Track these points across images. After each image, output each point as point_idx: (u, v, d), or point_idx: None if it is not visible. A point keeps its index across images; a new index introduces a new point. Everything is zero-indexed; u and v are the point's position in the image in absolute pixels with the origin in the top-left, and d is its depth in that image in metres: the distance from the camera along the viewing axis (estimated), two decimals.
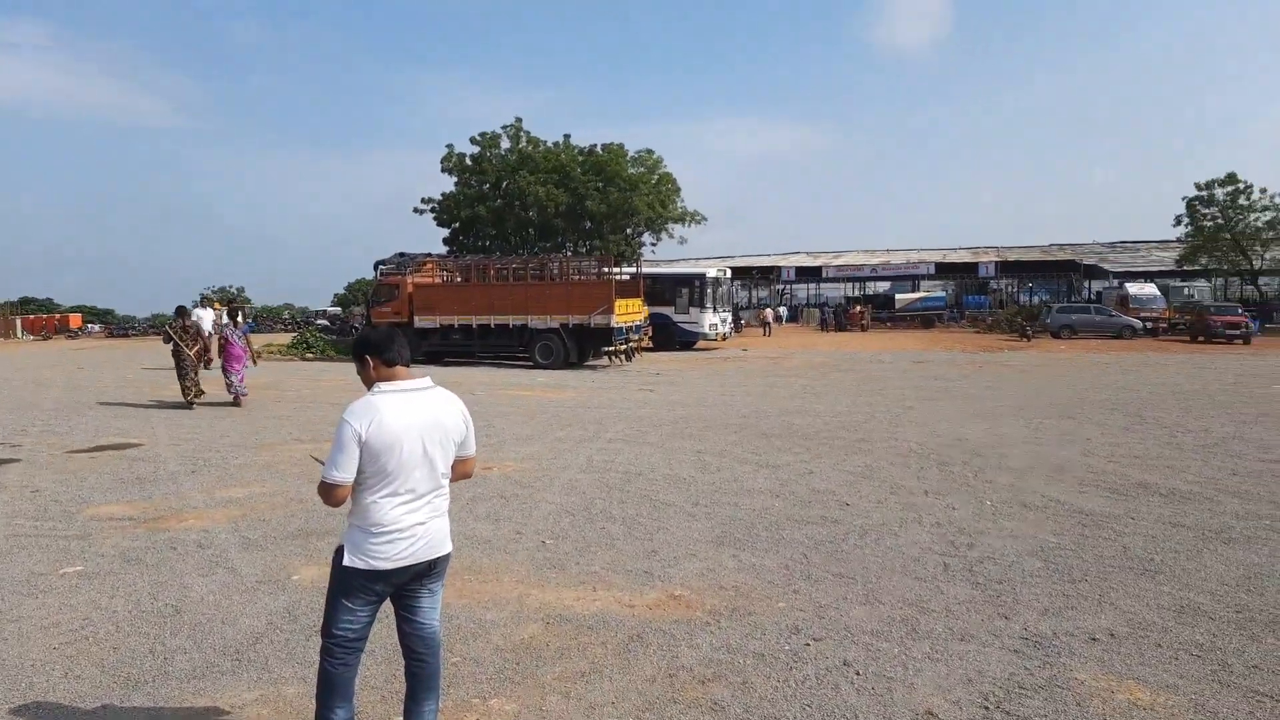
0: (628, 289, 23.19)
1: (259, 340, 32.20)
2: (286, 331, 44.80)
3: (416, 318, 22.36)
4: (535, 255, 29.70)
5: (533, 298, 21.48)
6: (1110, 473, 8.17)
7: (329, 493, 2.80)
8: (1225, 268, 44.40)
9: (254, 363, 14.12)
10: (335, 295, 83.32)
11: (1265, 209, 42.05)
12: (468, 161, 44.33)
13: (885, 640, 4.10)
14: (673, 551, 5.51)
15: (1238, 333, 32.88)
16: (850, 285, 66.34)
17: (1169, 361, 23.81)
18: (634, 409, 12.74)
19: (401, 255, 24.61)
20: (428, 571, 2.94)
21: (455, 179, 44.65)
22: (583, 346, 21.78)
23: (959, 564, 5.27)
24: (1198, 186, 43.71)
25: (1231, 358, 25.74)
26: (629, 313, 21.91)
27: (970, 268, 57.49)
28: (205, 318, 19.27)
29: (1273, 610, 4.47)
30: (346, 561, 2.84)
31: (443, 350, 22.88)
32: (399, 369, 2.97)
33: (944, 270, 58.72)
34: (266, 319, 66.04)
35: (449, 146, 44.47)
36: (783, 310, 53.06)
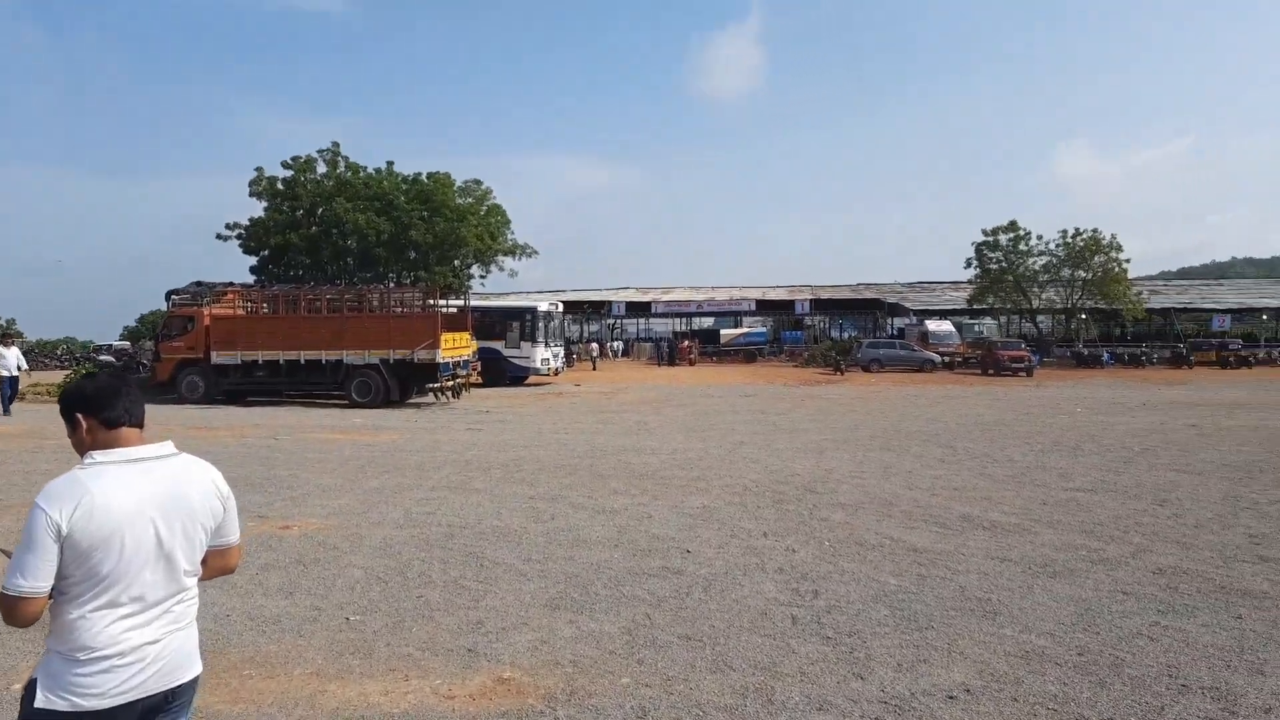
0: (455, 322, 22.20)
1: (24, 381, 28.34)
2: (62, 369, 39.76)
3: (214, 353, 20.26)
4: (354, 286, 27.99)
5: (350, 331, 20.03)
6: (935, 506, 8.33)
7: (12, 609, 1.97)
8: (1009, 306, 49.16)
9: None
10: (125, 329, 75.45)
11: (1041, 254, 47.05)
12: (279, 186, 41.58)
13: (740, 718, 3.67)
14: (501, 620, 4.87)
15: (1022, 366, 36.28)
16: (678, 320, 68.06)
17: (968, 394, 25.71)
18: (460, 451, 11.92)
19: (199, 284, 22.36)
20: (163, 706, 2.15)
21: (265, 204, 41.73)
22: (405, 383, 20.54)
23: (807, 615, 4.99)
24: (984, 232, 48.29)
25: (1018, 389, 28.20)
26: (456, 347, 20.93)
27: (787, 305, 60.53)
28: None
29: (1111, 651, 4.45)
30: (40, 702, 2.01)
31: (245, 389, 20.86)
32: (125, 431, 2.19)
33: (764, 307, 61.47)
34: (39, 355, 58.52)
35: (258, 170, 41.64)
36: (618, 345, 53.28)
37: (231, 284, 23.02)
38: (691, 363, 43.06)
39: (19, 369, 17.15)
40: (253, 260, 42.49)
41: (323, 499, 8.35)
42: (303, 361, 20.14)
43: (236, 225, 42.13)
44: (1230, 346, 44.78)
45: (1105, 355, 44.24)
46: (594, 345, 44.79)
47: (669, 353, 44.42)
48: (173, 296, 21.98)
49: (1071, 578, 5.83)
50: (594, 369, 38.37)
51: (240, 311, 21.65)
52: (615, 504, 8.23)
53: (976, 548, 6.67)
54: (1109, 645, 4.53)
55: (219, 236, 42.39)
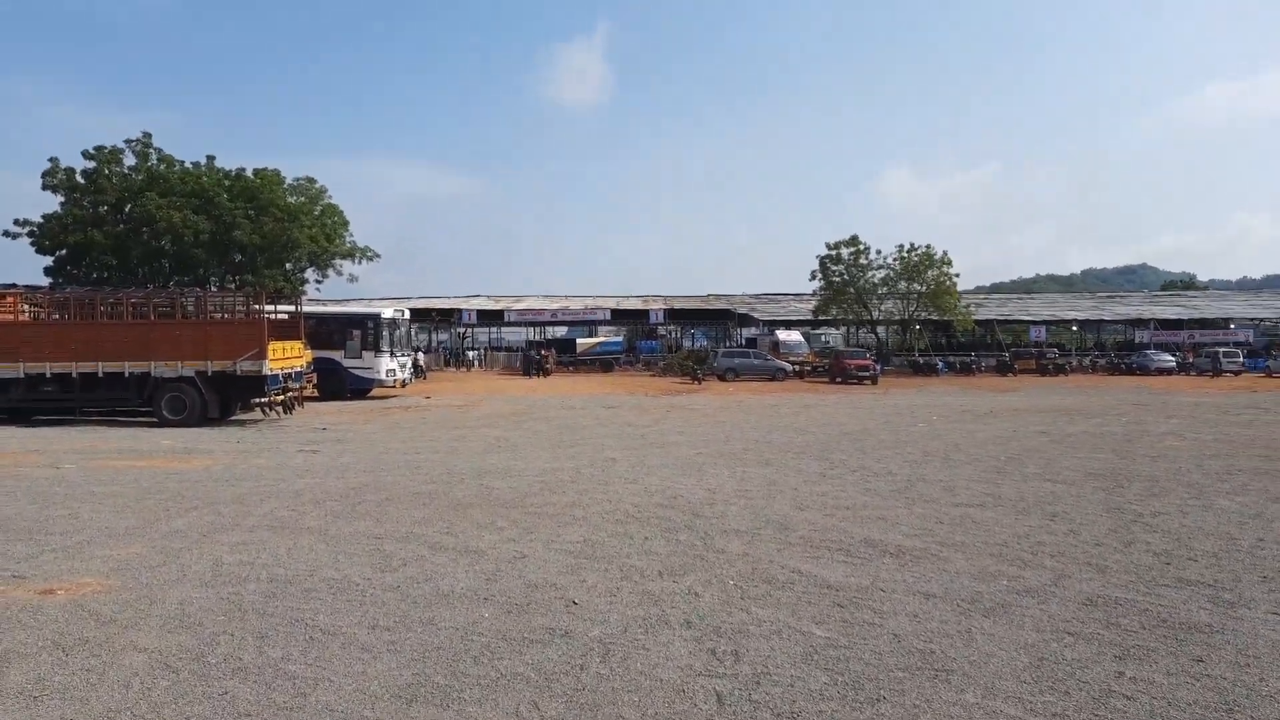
0: (286, 330, 19.97)
1: None
2: None
3: None
4: (166, 289, 24.93)
5: (159, 339, 17.46)
6: (832, 529, 7.66)
7: None
8: (851, 317, 51.09)
9: None
10: None
11: (880, 268, 49.18)
12: (79, 179, 36.95)
13: None
14: None
15: (867, 374, 37.53)
16: (531, 330, 66.52)
17: (824, 402, 25.97)
18: (290, 479, 10.25)
19: None
20: None
21: (62, 198, 36.95)
22: (227, 398, 18.18)
23: (733, 690, 4.03)
24: (828, 246, 50.00)
25: (868, 397, 28.88)
26: (287, 357, 18.76)
27: (642, 314, 60.46)
28: None
29: (1091, 715, 3.77)
30: None
31: (30, 407, 17.81)
32: None
33: (618, 316, 61.10)
34: None
35: (53, 160, 36.78)
36: (472, 354, 51.09)
37: (14, 285, 19.75)
38: (547, 373, 41.72)
39: None
40: (48, 260, 37.51)
41: (107, 547, 6.63)
42: (101, 374, 17.39)
43: (27, 222, 36.97)
44: (1048, 355, 48.46)
45: (940, 363, 46.73)
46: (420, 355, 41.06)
47: (537, 363, 42.02)
48: None
49: (1006, 616, 5.20)
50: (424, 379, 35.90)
51: (22, 317, 18.53)
52: (480, 542, 7.00)
53: (893, 581, 5.97)
54: (1086, 710, 3.84)
55: (6, 234, 37.09)
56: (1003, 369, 46.59)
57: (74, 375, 17.35)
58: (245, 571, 5.95)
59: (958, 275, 49.31)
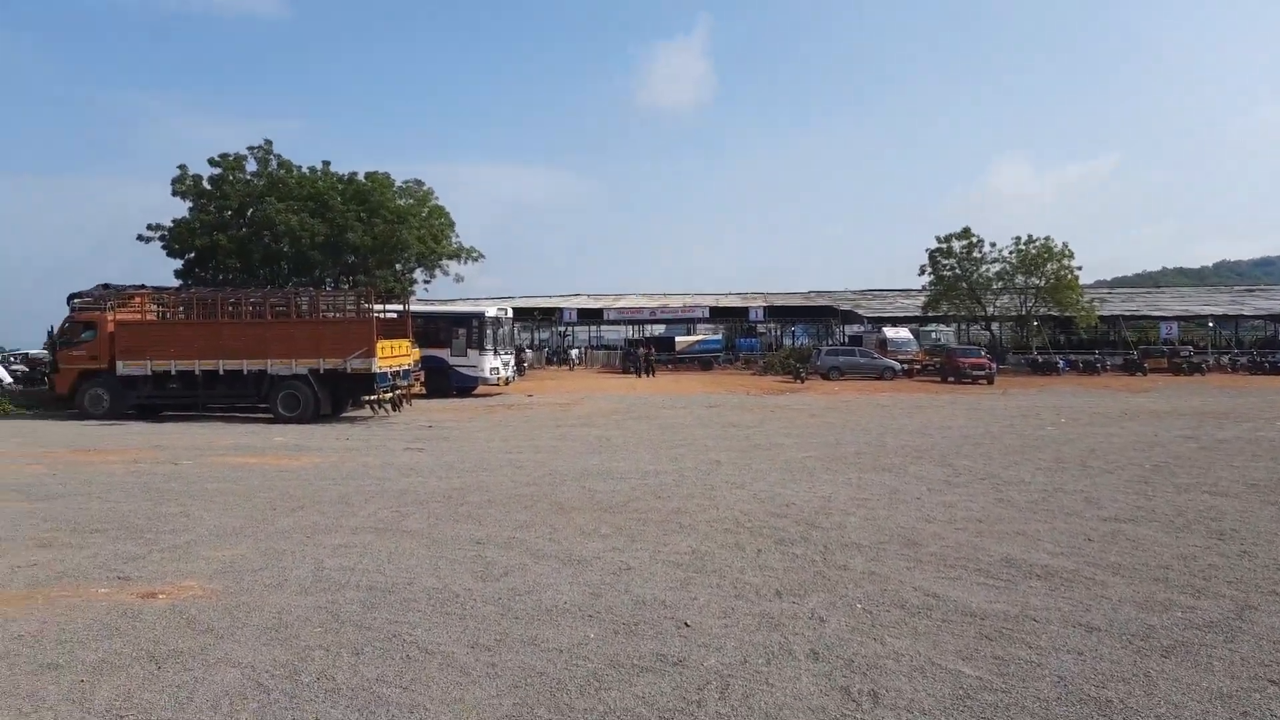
0: (394, 329, 20.32)
1: None
2: None
3: (120, 363, 18.06)
4: (283, 289, 25.86)
5: (275, 338, 18.00)
6: (966, 545, 6.94)
7: None
8: (963, 314, 48.78)
9: None
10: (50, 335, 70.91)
11: (994, 261, 46.76)
12: (205, 185, 38.92)
13: None
14: None
15: (982, 373, 35.61)
16: (630, 328, 66.60)
17: (938, 403, 24.68)
18: (395, 478, 10.19)
19: (105, 286, 20.08)
20: None
21: (190, 204, 39.02)
22: (338, 395, 18.60)
23: None
24: (938, 239, 47.83)
25: (986, 398, 27.33)
26: (395, 355, 19.06)
27: (741, 312, 59.50)
28: None
29: None
30: None
31: (158, 403, 18.69)
32: None
33: (717, 314, 60.37)
34: None
35: (182, 167, 38.82)
36: (574, 353, 51.47)
37: (143, 286, 20.78)
38: (653, 371, 41.08)
39: None
40: (178, 264, 39.70)
41: (213, 548, 6.60)
42: (222, 372, 18.06)
43: (159, 226, 39.19)
44: (1182, 354, 45.02)
45: (1060, 362, 44.05)
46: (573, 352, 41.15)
47: (643, 361, 40.46)
48: (73, 300, 19.68)
49: (1190, 657, 4.45)
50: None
51: (150, 316, 19.46)
52: (584, 550, 6.64)
53: (1045, 609, 5.27)
54: None
55: (140, 238, 39.37)
56: (1130, 368, 43.49)
57: (197, 373, 18.08)
58: (345, 577, 5.76)
59: (1079, 268, 46.42)
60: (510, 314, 29.37)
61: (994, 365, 37.66)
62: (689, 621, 4.94)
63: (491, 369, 25.88)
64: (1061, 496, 9.24)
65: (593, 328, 68.07)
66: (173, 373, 18.12)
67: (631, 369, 42.30)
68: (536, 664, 4.25)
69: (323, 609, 5.07)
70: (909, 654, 4.48)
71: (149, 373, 18.09)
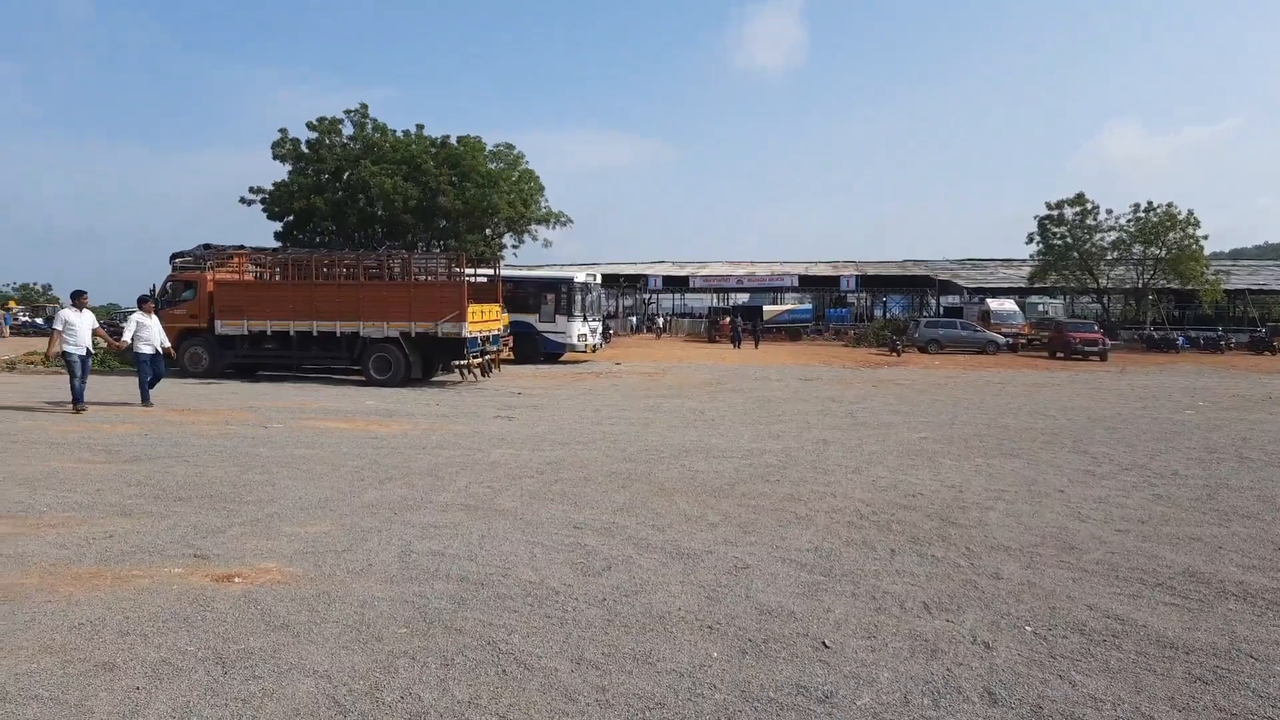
0: (484, 293, 20.01)
1: (19, 345, 26.68)
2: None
3: (219, 322, 18.24)
4: (375, 251, 25.93)
5: (367, 300, 17.86)
6: (1134, 552, 5.97)
7: None
8: (1073, 285, 45.91)
9: None
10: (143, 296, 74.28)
11: (1111, 229, 43.74)
12: (304, 149, 39.58)
13: None
14: None
15: (1095, 349, 33.39)
16: (715, 296, 65.38)
17: (1055, 380, 23.05)
18: (486, 449, 9.71)
19: (206, 246, 20.35)
20: None
21: (289, 167, 39.79)
22: (428, 359, 18.39)
23: None
24: (1048, 205, 45.05)
25: (1104, 376, 25.46)
26: (485, 320, 18.73)
27: (831, 281, 57.52)
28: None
29: None
30: None
31: (253, 362, 18.87)
32: None
33: (806, 283, 58.56)
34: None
35: (282, 131, 39.60)
36: (661, 320, 50.75)
37: (242, 246, 20.98)
38: (750, 342, 38.79)
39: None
40: (277, 226, 40.67)
41: (296, 522, 6.18)
42: (315, 333, 18.06)
43: (260, 190, 40.22)
44: None
45: (1180, 339, 41.04)
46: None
47: (743, 332, 38.43)
48: (175, 260, 20.01)
49: None
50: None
51: (248, 276, 19.61)
52: (692, 541, 5.96)
53: (1258, 640, 4.33)
54: None
55: (242, 200, 40.53)
56: (1258, 347, 40.15)
57: (291, 334, 18.13)
58: (434, 564, 5.22)
59: (1205, 238, 42.97)
60: (599, 280, 28.84)
61: (1107, 341, 35.26)
62: (827, 641, 4.19)
63: (579, 336, 25.45)
64: (1228, 494, 8.08)
65: (677, 296, 67.23)
66: (268, 333, 18.21)
67: (719, 337, 41.31)
68: (653, 691, 3.59)
69: (410, 603, 4.52)
70: (1108, 699, 3.64)
71: (246, 332, 18.23)
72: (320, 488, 7.34)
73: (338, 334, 17.97)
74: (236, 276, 19.36)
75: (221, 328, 18.20)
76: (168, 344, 13.67)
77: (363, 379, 18.02)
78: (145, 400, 12.85)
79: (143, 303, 13.40)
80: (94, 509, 6.47)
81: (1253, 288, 51.30)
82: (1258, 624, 4.63)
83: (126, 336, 13.21)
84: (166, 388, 14.68)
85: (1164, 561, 5.76)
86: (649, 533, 6.14)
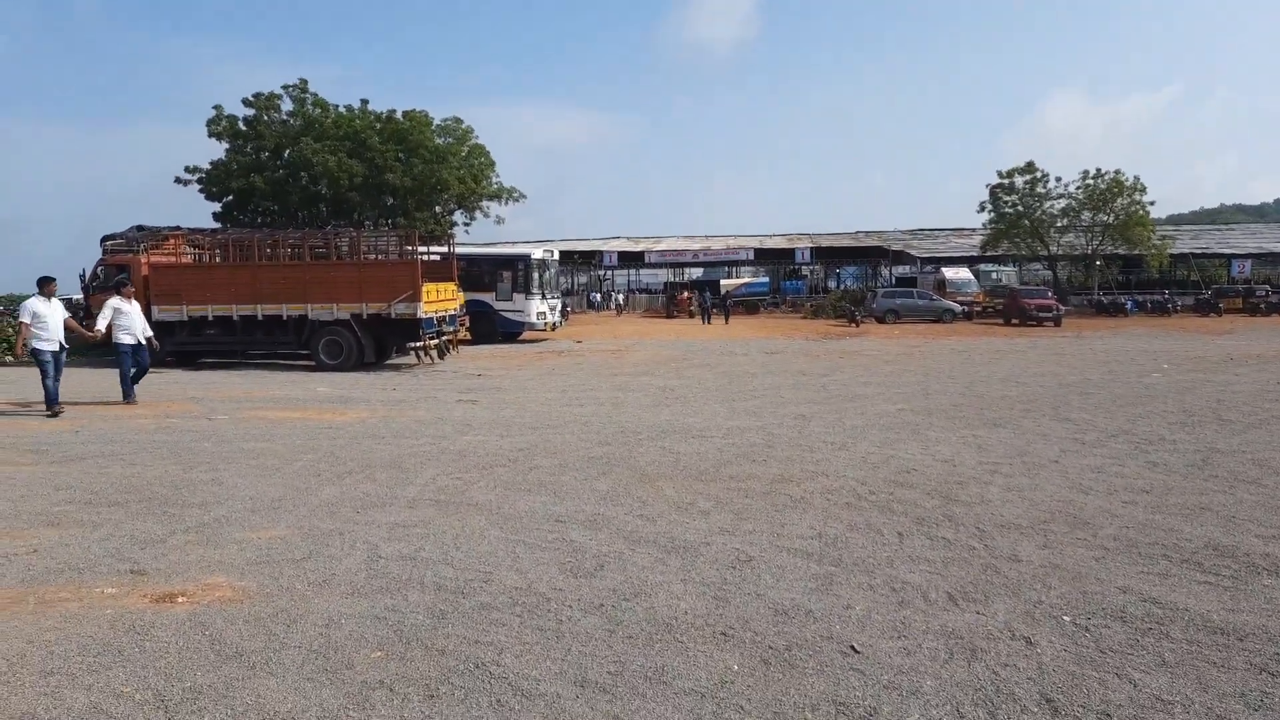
0: (438, 272, 19.22)
1: None
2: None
3: (155, 308, 17.16)
4: (321, 230, 24.84)
5: (314, 281, 16.98)
6: (1148, 525, 5.68)
7: None
8: (1025, 252, 46.42)
9: None
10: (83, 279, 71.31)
11: (1060, 196, 44.24)
12: (241, 126, 37.89)
13: None
14: None
15: (1049, 315, 33.80)
16: (670, 271, 64.88)
17: (1018, 347, 23.12)
18: (452, 436, 9.12)
19: (140, 228, 19.21)
20: None
21: (226, 145, 38.08)
22: (382, 342, 17.62)
23: None
24: (1000, 174, 45.37)
25: (1062, 341, 25.69)
26: (440, 300, 18.00)
27: (786, 254, 57.46)
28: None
29: None
30: None
31: (195, 349, 17.87)
32: None
33: (762, 256, 58.41)
34: None
35: (217, 108, 37.84)
36: (620, 297, 50.05)
37: (178, 228, 19.85)
38: (727, 317, 37.72)
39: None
40: (216, 206, 38.95)
41: (247, 527, 5.56)
42: (260, 317, 17.14)
43: (196, 169, 38.42)
44: (1258, 293, 42.49)
45: (1129, 303, 41.84)
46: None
47: (713, 307, 37.42)
48: (106, 243, 18.83)
49: None
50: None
51: (185, 259, 18.54)
52: (687, 532, 5.49)
53: None
54: None
55: (178, 180, 38.68)
56: (1203, 308, 41.21)
57: (235, 318, 17.20)
58: (406, 570, 4.67)
59: (1152, 203, 43.76)
60: (557, 256, 28.15)
61: (1060, 306, 35.72)
62: (856, 645, 3.76)
63: (538, 314, 24.80)
64: (1222, 459, 7.89)
65: (632, 271, 66.59)
66: (209, 318, 17.25)
67: (677, 312, 40.93)
68: (666, 716, 3.11)
69: (382, 620, 3.98)
70: (1177, 700, 3.27)
71: (185, 318, 17.23)
72: (272, 485, 6.71)
73: (284, 317, 17.10)
74: (173, 259, 18.30)
75: (158, 314, 17.15)
76: (149, 333, 12.45)
77: (312, 364, 17.20)
78: (129, 396, 11.63)
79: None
80: (16, 518, 5.76)
81: (1195, 251, 52.49)
82: None
83: (101, 325, 11.81)
84: (100, 379, 13.73)
85: (1182, 535, 5.47)
86: (638, 524, 5.66)
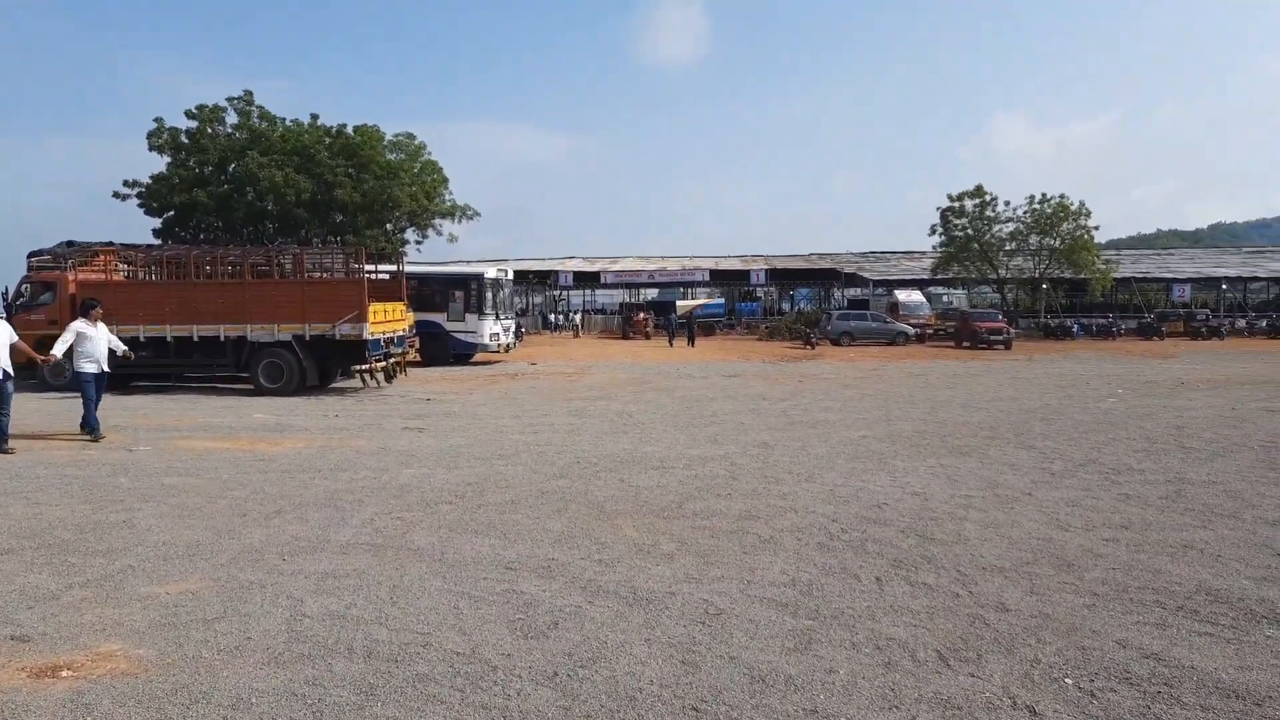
0: (387, 291, 18.51)
1: None
2: None
3: None
4: (264, 247, 23.95)
5: (254, 301, 16.19)
6: (1136, 568, 5.38)
7: None
8: (974, 275, 47.11)
9: None
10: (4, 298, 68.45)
11: (1008, 220, 45.05)
12: (183, 139, 36.70)
13: None
14: None
15: (1000, 338, 34.14)
16: (627, 292, 64.63)
17: (969, 370, 23.16)
18: (394, 469, 8.54)
19: (69, 244, 18.23)
20: None
21: (168, 159, 36.83)
22: (325, 364, 16.86)
23: None
24: (950, 197, 46.04)
25: (1015, 364, 25.86)
26: (388, 320, 17.30)
27: (742, 275, 57.62)
28: None
29: None
30: None
31: (127, 372, 16.88)
32: None
33: (717, 277, 58.49)
34: None
35: (158, 120, 36.59)
36: (576, 317, 49.46)
37: (110, 244, 18.88)
38: (693, 340, 36.94)
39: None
40: (156, 222, 37.60)
41: (155, 579, 4.95)
42: (196, 338, 16.29)
43: (135, 183, 37.06)
44: (1199, 317, 43.65)
45: (1075, 326, 42.62)
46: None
47: (687, 326, 35.97)
48: (32, 259, 17.80)
49: None
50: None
51: (117, 276, 17.60)
52: (649, 580, 5.03)
53: None
54: None
55: (116, 195, 37.26)
56: (1146, 332, 42.16)
57: (169, 339, 16.31)
58: (333, 633, 4.13)
59: (1096, 228, 44.79)
60: (510, 276, 27.58)
61: (1011, 330, 36.17)
62: None
63: (492, 335, 24.17)
64: (1194, 490, 7.71)
65: (588, 292, 66.17)
66: (141, 339, 16.30)
67: (633, 334, 40.48)
68: None
69: (299, 697, 3.44)
70: None
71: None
72: (190, 528, 6.08)
73: (222, 338, 16.26)
74: (103, 276, 17.33)
75: None
76: (124, 348, 11.39)
77: (251, 388, 16.37)
78: (94, 430, 10.41)
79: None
80: None
81: (1137, 275, 53.85)
82: None
83: (58, 350, 10.65)
84: (21, 405, 12.78)
85: (1171, 577, 5.18)
86: (596, 571, 5.19)
